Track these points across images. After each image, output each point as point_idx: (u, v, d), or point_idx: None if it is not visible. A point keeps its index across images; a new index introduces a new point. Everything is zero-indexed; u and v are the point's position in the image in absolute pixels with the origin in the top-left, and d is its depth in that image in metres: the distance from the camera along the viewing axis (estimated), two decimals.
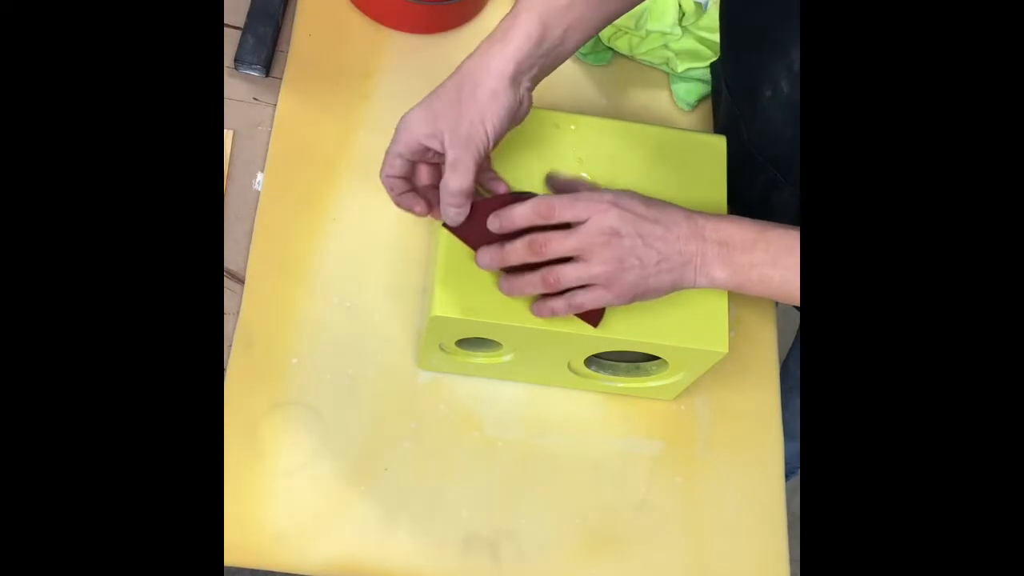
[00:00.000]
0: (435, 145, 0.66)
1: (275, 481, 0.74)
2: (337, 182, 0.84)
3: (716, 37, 0.95)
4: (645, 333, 0.70)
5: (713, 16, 0.93)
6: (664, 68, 0.95)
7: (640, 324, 0.70)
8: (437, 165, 0.70)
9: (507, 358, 0.76)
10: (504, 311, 0.68)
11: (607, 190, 0.66)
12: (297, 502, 0.74)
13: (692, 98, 0.94)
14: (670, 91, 0.95)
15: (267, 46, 0.86)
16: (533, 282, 0.65)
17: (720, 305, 0.71)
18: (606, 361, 0.78)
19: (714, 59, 0.95)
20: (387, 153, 0.68)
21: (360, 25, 0.91)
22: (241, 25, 0.87)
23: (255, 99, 0.86)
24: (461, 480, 0.77)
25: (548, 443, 0.79)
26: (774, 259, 0.65)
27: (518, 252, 0.65)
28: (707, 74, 0.95)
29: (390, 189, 0.70)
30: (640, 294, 0.65)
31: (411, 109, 0.67)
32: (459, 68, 0.67)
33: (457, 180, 0.64)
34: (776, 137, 0.79)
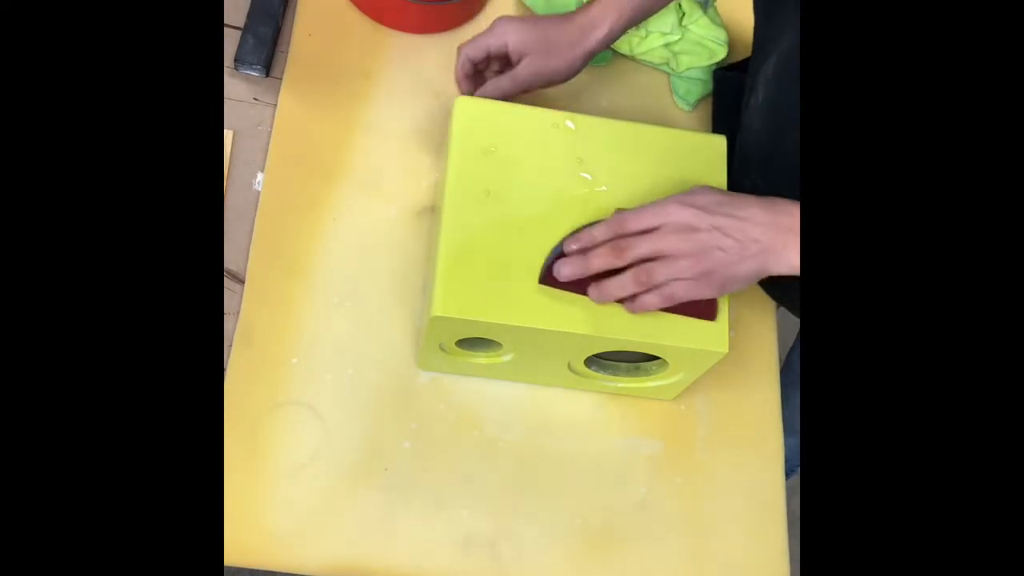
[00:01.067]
0: (514, 58, 0.78)
1: (275, 481, 0.74)
2: (337, 182, 0.84)
3: (717, 36, 0.95)
4: (645, 333, 0.70)
5: (714, 16, 0.93)
6: (664, 68, 0.95)
7: (640, 324, 0.70)
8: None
9: (507, 358, 0.76)
10: (504, 311, 0.68)
11: (677, 194, 0.69)
12: (297, 502, 0.74)
13: (692, 98, 0.94)
14: (670, 91, 0.95)
15: (267, 46, 0.86)
16: (624, 282, 0.67)
17: (720, 305, 0.71)
18: (606, 361, 0.78)
19: (715, 60, 0.95)
20: (475, 42, 0.79)
21: (360, 25, 0.91)
22: (241, 25, 0.87)
23: (255, 99, 0.86)
24: (461, 480, 0.77)
25: (548, 443, 0.79)
26: None
27: (601, 256, 0.67)
28: (707, 74, 0.95)
29: (461, 68, 0.80)
30: (728, 282, 0.67)
31: (518, 24, 0.78)
32: (571, 19, 0.79)
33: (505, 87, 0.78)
34: (753, 143, 0.79)
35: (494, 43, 0.78)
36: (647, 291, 0.67)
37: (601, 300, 0.68)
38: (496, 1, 0.95)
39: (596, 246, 0.68)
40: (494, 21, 0.80)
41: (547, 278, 0.69)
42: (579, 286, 0.68)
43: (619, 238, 0.68)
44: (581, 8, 0.80)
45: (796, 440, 1.02)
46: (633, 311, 0.68)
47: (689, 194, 0.68)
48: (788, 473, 0.84)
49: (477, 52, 0.79)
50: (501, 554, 0.76)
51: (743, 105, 0.82)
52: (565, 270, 0.68)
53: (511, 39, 0.78)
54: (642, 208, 0.68)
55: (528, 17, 0.78)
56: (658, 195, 0.72)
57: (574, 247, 0.69)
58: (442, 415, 0.79)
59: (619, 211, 0.70)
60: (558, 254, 0.69)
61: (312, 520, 0.74)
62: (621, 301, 0.68)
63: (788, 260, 0.66)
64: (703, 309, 0.69)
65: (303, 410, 0.77)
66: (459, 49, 0.80)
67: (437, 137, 0.87)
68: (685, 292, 0.67)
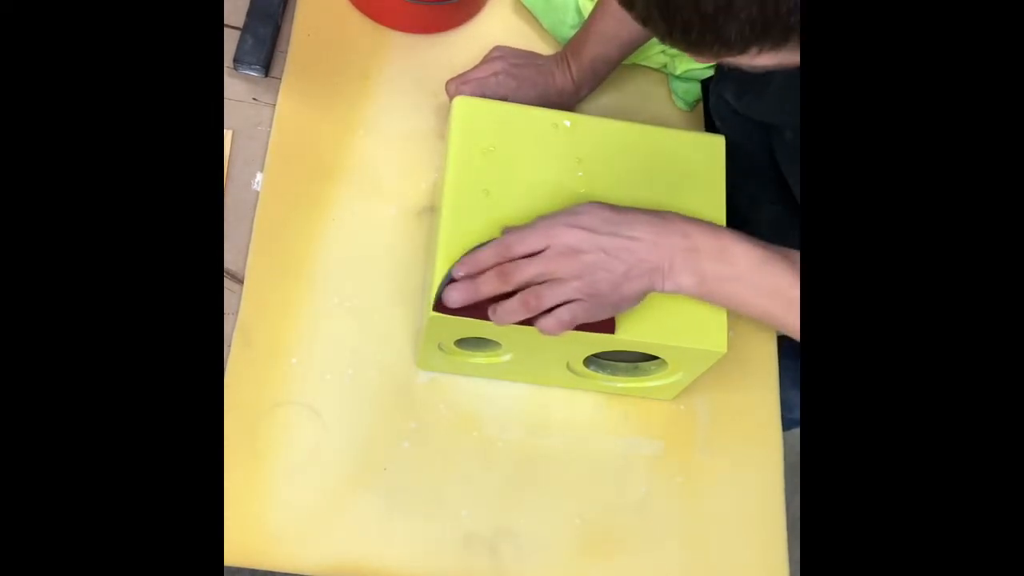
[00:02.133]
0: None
1: (275, 481, 0.74)
2: (337, 182, 0.84)
3: None
4: (644, 333, 0.70)
5: None
6: (663, 69, 0.95)
7: (639, 324, 0.70)
8: None
9: (506, 358, 0.76)
10: None
11: (565, 211, 0.68)
12: (297, 502, 0.74)
13: (691, 98, 0.94)
14: (669, 91, 0.95)
15: (267, 46, 0.86)
16: (514, 307, 0.66)
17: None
18: (605, 361, 0.78)
19: (714, 61, 0.95)
20: (472, 75, 0.83)
21: (360, 25, 0.91)
22: (241, 25, 0.87)
23: (255, 99, 0.86)
24: (461, 480, 0.77)
25: (548, 443, 0.79)
26: (739, 275, 0.67)
27: (489, 282, 0.66)
28: (706, 74, 0.95)
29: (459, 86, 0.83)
30: (616, 303, 0.67)
31: (503, 74, 0.83)
32: (542, 64, 0.86)
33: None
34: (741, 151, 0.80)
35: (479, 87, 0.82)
36: (543, 314, 0.66)
37: (500, 323, 0.67)
38: (496, 1, 0.95)
39: (484, 271, 0.67)
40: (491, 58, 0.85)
41: (439, 306, 0.67)
42: (479, 311, 0.67)
43: (506, 262, 0.67)
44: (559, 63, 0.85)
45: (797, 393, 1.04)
46: (543, 332, 0.67)
47: (576, 213, 0.67)
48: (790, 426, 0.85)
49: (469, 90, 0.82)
50: (501, 554, 0.76)
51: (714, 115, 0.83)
52: (454, 295, 0.67)
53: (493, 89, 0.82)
54: (528, 229, 0.67)
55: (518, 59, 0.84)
56: (657, 194, 0.72)
57: (461, 272, 0.67)
58: (441, 415, 0.79)
59: (507, 229, 0.69)
60: (449, 280, 0.68)
61: (312, 520, 0.74)
62: (529, 323, 0.67)
63: (676, 280, 0.67)
64: (603, 324, 0.69)
65: (303, 410, 0.77)
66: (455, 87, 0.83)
67: (437, 137, 0.87)
68: (579, 315, 0.66)
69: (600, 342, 0.71)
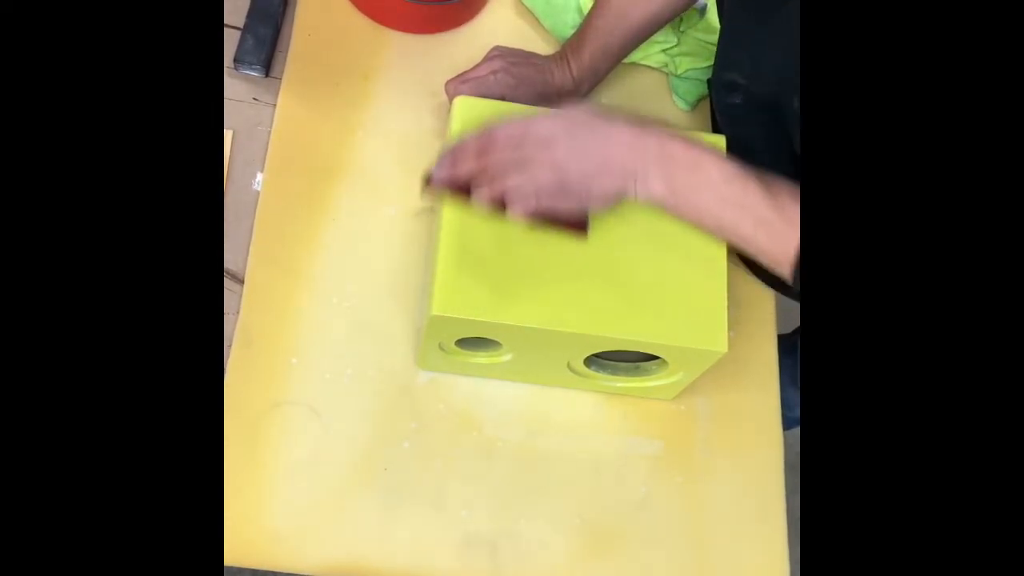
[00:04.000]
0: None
1: (275, 481, 0.74)
2: (337, 182, 0.84)
3: (714, 40, 0.95)
4: (645, 333, 0.70)
5: (712, 19, 0.93)
6: (664, 69, 0.95)
7: (640, 324, 0.70)
8: None
9: (507, 358, 0.76)
10: (503, 310, 0.68)
11: (555, 110, 0.70)
12: (297, 502, 0.74)
13: (691, 98, 0.94)
14: (670, 91, 0.95)
15: (267, 46, 0.86)
16: (483, 190, 0.68)
17: (719, 304, 0.71)
18: (606, 361, 0.78)
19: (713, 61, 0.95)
20: (470, 75, 0.83)
21: (360, 25, 0.91)
22: (241, 25, 0.87)
23: (255, 99, 0.86)
24: (461, 480, 0.77)
25: (548, 443, 0.79)
26: (710, 185, 0.67)
27: (467, 162, 0.68)
28: (706, 74, 0.95)
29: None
30: (585, 196, 0.68)
31: (503, 72, 0.82)
32: (540, 63, 0.85)
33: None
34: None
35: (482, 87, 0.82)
36: (512, 202, 0.68)
37: (478, 204, 0.69)
38: (496, 1, 0.95)
39: (466, 153, 0.69)
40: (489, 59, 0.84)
41: (425, 186, 0.70)
42: (463, 194, 0.69)
43: (487, 143, 0.68)
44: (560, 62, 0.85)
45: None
46: (512, 216, 0.68)
47: (563, 109, 0.69)
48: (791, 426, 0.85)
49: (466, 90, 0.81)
50: (501, 554, 0.76)
51: (717, 108, 0.83)
52: (436, 173, 0.70)
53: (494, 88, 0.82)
54: (512, 120, 0.69)
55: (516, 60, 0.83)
56: None
57: (447, 156, 0.70)
58: (442, 415, 0.79)
59: (495, 122, 0.71)
60: (439, 162, 0.70)
61: (312, 520, 0.74)
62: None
63: (647, 186, 0.68)
64: (574, 223, 0.69)
65: (303, 410, 0.77)
66: (454, 88, 0.83)
67: (437, 137, 0.87)
68: (544, 200, 0.67)
69: (601, 342, 0.71)
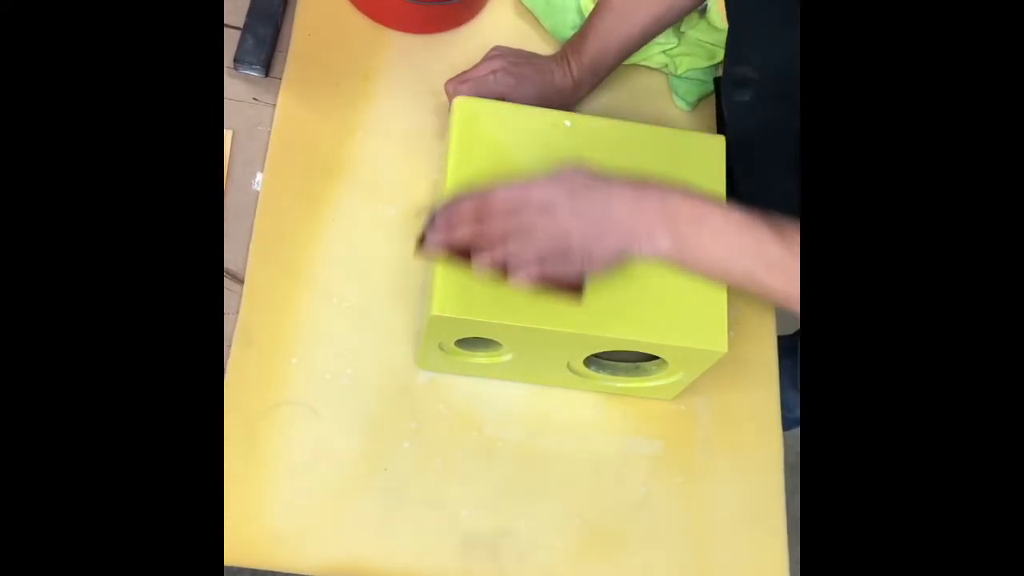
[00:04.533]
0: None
1: (275, 481, 0.74)
2: (337, 182, 0.84)
3: (715, 40, 0.95)
4: (645, 333, 0.70)
5: (712, 19, 0.93)
6: (664, 70, 0.95)
7: (640, 324, 0.70)
8: None
9: (507, 358, 0.76)
10: (503, 310, 0.68)
11: (549, 170, 0.68)
12: (297, 502, 0.74)
13: (691, 98, 0.94)
14: (670, 91, 0.95)
15: (267, 46, 0.86)
16: (488, 260, 0.66)
17: (719, 304, 0.71)
18: (606, 361, 0.78)
19: (714, 61, 0.95)
20: (470, 75, 0.83)
21: (360, 25, 0.91)
22: (241, 25, 0.87)
23: (255, 99, 0.86)
24: (461, 480, 0.77)
25: (548, 443, 0.79)
26: (718, 235, 0.66)
27: (464, 230, 0.66)
28: (707, 74, 0.95)
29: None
30: (589, 261, 0.66)
31: (503, 72, 0.82)
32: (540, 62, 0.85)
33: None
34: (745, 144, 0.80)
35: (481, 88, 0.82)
36: (514, 269, 0.66)
37: (477, 272, 0.67)
38: (496, 1, 0.95)
39: (464, 220, 0.67)
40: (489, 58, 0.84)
41: (419, 247, 0.68)
42: (460, 258, 0.67)
43: (484, 212, 0.67)
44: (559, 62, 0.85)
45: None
46: (513, 285, 0.67)
47: (558, 172, 0.67)
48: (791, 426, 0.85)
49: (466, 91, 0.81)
50: (501, 554, 0.76)
51: (725, 104, 0.83)
52: (431, 237, 0.68)
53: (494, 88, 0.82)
54: (509, 185, 0.67)
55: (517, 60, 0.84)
56: None
57: (442, 218, 0.68)
58: (442, 415, 0.79)
59: (491, 185, 0.69)
60: (429, 226, 0.68)
61: (312, 520, 0.74)
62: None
63: (653, 244, 0.66)
64: (572, 286, 0.68)
65: (303, 410, 0.77)
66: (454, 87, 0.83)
67: (437, 137, 0.87)
68: (548, 268, 0.66)
69: (601, 342, 0.71)
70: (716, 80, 0.94)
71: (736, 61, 0.80)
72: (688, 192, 0.67)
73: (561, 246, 0.65)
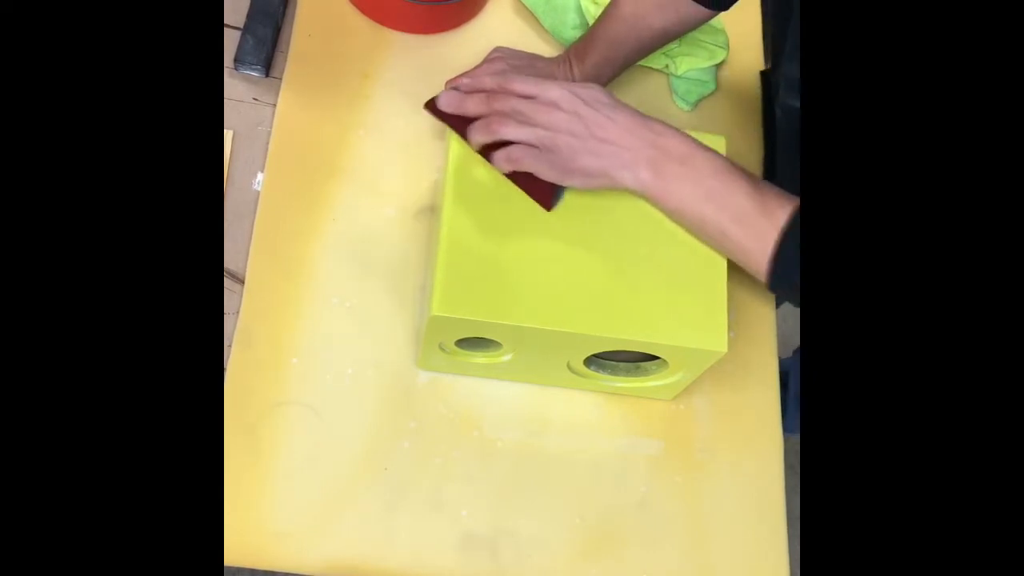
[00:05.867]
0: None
1: (275, 481, 0.74)
2: (337, 182, 0.84)
3: (716, 40, 0.95)
4: (645, 333, 0.70)
5: (714, 20, 0.93)
6: (664, 70, 0.95)
7: (640, 324, 0.70)
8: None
9: (507, 358, 0.76)
10: (503, 310, 0.68)
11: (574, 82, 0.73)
12: (297, 502, 0.74)
13: (692, 98, 0.94)
14: (670, 91, 0.95)
15: (267, 46, 0.86)
16: (480, 126, 0.71)
17: (719, 304, 0.71)
18: (606, 361, 0.78)
19: (714, 61, 0.95)
20: (473, 75, 0.81)
21: (360, 25, 0.91)
22: (241, 25, 0.87)
23: (255, 99, 0.86)
24: (460, 480, 0.77)
25: (548, 443, 0.79)
26: (695, 177, 0.69)
27: (475, 102, 0.72)
28: (707, 74, 0.95)
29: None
30: (567, 169, 0.70)
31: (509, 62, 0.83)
32: (542, 65, 0.85)
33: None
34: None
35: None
36: (501, 150, 0.70)
37: (470, 143, 0.72)
38: (496, 1, 0.95)
39: (479, 91, 0.73)
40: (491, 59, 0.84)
41: (431, 105, 0.74)
42: (460, 127, 0.72)
43: (500, 90, 0.71)
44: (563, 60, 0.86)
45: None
46: (493, 165, 0.71)
47: (581, 83, 0.72)
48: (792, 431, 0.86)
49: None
50: (500, 554, 0.76)
51: (779, 107, 0.84)
52: (444, 99, 0.73)
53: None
54: (532, 76, 0.72)
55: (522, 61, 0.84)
56: None
57: (463, 82, 0.74)
58: (441, 415, 0.79)
59: (514, 69, 0.75)
60: (453, 87, 0.74)
61: (312, 520, 0.74)
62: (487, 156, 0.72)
63: (635, 172, 0.69)
64: (540, 193, 0.71)
65: (303, 410, 0.77)
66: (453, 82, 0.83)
67: (437, 137, 0.87)
68: (528, 161, 0.70)
69: (601, 342, 0.71)
70: (764, 75, 0.93)
71: (791, 58, 0.81)
72: (686, 136, 0.70)
73: (550, 143, 0.69)
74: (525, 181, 0.71)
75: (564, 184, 0.71)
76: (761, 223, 0.66)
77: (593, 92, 0.71)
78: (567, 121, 0.69)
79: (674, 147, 0.69)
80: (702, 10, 0.82)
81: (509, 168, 0.71)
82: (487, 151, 0.72)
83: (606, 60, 0.84)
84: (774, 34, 0.86)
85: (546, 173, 0.70)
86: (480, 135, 0.71)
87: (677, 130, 0.70)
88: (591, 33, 0.85)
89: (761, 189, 0.67)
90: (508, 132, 0.70)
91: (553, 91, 0.70)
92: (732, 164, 0.69)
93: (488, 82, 0.73)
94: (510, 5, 0.95)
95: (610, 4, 0.84)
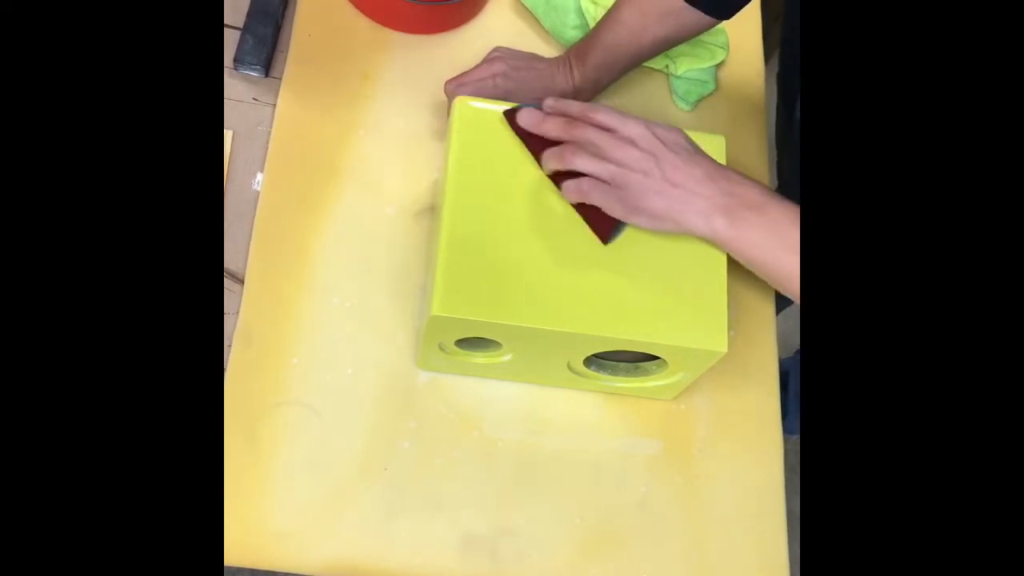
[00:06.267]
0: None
1: (275, 481, 0.74)
2: (337, 182, 0.84)
3: (716, 40, 0.95)
4: (645, 333, 0.70)
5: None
6: (664, 70, 0.95)
7: (640, 324, 0.70)
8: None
9: (507, 358, 0.76)
10: (503, 310, 0.68)
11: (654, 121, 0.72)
12: (297, 502, 0.74)
13: (692, 98, 0.94)
14: (670, 91, 0.95)
15: (267, 46, 0.86)
16: (555, 153, 0.71)
17: (719, 304, 0.71)
18: (606, 361, 0.78)
19: (715, 61, 0.95)
20: (470, 77, 0.83)
21: (360, 25, 0.91)
22: (241, 25, 0.87)
23: (255, 99, 0.86)
24: (460, 480, 0.77)
25: (548, 443, 0.79)
26: (770, 226, 0.68)
27: (555, 125, 0.71)
28: (707, 74, 0.95)
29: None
30: (637, 207, 0.69)
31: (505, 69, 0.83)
32: (541, 66, 0.85)
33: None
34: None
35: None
36: (570, 186, 0.70)
37: (543, 167, 0.72)
38: (496, 1, 0.95)
39: (562, 114, 0.72)
40: (490, 60, 0.84)
41: (510, 115, 0.73)
42: (533, 147, 0.72)
43: (582, 118, 0.71)
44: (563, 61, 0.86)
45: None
46: (562, 194, 0.71)
47: (661, 124, 0.71)
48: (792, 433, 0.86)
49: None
50: (501, 554, 0.76)
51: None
52: (526, 116, 0.72)
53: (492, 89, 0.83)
54: (615, 111, 0.72)
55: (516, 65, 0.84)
56: None
57: (549, 104, 0.73)
58: (441, 415, 0.79)
59: (602, 106, 0.74)
60: (535, 105, 0.74)
61: (312, 520, 0.74)
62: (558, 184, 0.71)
63: (709, 222, 0.68)
64: (602, 227, 0.71)
65: (303, 410, 0.77)
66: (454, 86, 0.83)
67: (437, 137, 0.87)
68: (596, 196, 0.69)
69: (601, 342, 0.71)
70: (783, 80, 0.93)
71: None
72: (762, 185, 0.70)
73: (621, 180, 0.69)
74: (589, 212, 0.71)
75: (630, 222, 0.70)
76: None
77: (674, 135, 0.70)
78: (641, 160, 0.69)
79: (750, 196, 0.68)
80: (704, 18, 0.82)
81: (578, 200, 0.70)
82: (558, 178, 0.71)
83: (606, 64, 0.84)
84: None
85: (613, 209, 0.69)
86: (553, 162, 0.71)
87: (754, 180, 0.70)
88: (592, 36, 0.85)
89: None
90: (581, 164, 0.69)
91: (633, 128, 0.70)
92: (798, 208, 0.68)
93: (574, 108, 0.72)
94: (510, 5, 0.95)
95: (612, 9, 0.84)
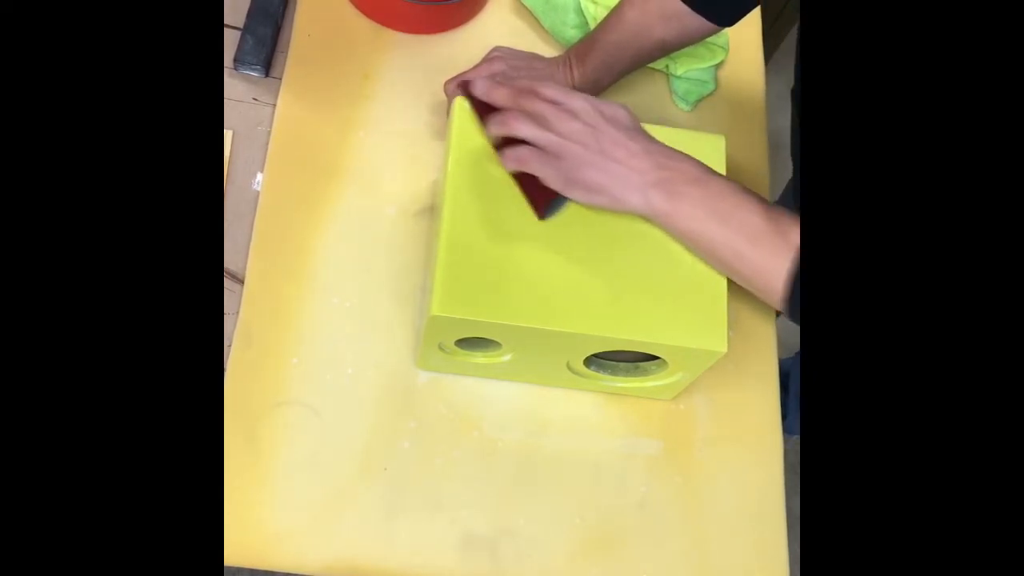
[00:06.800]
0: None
1: (275, 481, 0.74)
2: (337, 182, 0.84)
3: (715, 40, 0.95)
4: (645, 333, 0.70)
5: None
6: (664, 70, 0.95)
7: (640, 324, 0.70)
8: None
9: (506, 358, 0.76)
10: (503, 310, 0.68)
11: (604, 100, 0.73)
12: (297, 502, 0.74)
13: (692, 98, 0.94)
14: (670, 91, 0.95)
15: (267, 46, 0.86)
16: (498, 119, 0.71)
17: (719, 304, 0.71)
18: (606, 361, 0.78)
19: (715, 61, 0.95)
20: (467, 78, 0.81)
21: (360, 25, 0.91)
22: (241, 25, 0.87)
23: (255, 99, 0.86)
24: (460, 480, 0.77)
25: (548, 443, 0.80)
26: (708, 199, 0.68)
27: (503, 95, 0.72)
28: (707, 74, 0.95)
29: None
30: (572, 178, 0.70)
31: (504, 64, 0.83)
32: (541, 66, 0.85)
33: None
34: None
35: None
36: (508, 154, 0.71)
37: (488, 132, 0.72)
38: (496, 1, 0.95)
39: (511, 87, 0.73)
40: (490, 58, 0.85)
41: (466, 87, 0.74)
42: (482, 115, 0.73)
43: (529, 91, 0.71)
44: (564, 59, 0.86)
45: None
46: (501, 161, 0.72)
47: (607, 102, 0.72)
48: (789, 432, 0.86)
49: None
50: (501, 554, 0.76)
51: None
52: (479, 84, 0.73)
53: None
54: (562, 87, 0.72)
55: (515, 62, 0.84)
56: None
57: (498, 74, 0.77)
58: (441, 415, 0.79)
59: (512, 69, 0.76)
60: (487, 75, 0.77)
61: (312, 520, 0.74)
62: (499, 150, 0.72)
63: (645, 197, 0.69)
64: (537, 200, 0.71)
65: (303, 410, 0.77)
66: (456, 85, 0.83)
67: (437, 137, 0.87)
68: (534, 163, 0.70)
69: (601, 342, 0.71)
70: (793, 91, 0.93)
71: None
72: (697, 161, 0.70)
73: (558, 149, 0.69)
74: (528, 184, 0.71)
75: (566, 194, 0.70)
76: (776, 242, 0.65)
77: (616, 111, 0.71)
78: (581, 132, 0.69)
79: (685, 170, 0.69)
80: (706, 24, 0.82)
81: (515, 167, 0.71)
82: (502, 148, 0.72)
83: (605, 65, 0.84)
84: None
85: (550, 179, 0.70)
86: (496, 127, 0.71)
87: (689, 156, 0.70)
88: (593, 36, 0.85)
89: (774, 210, 0.67)
90: (522, 130, 0.70)
91: (577, 102, 0.70)
92: (743, 187, 0.69)
93: (523, 81, 0.73)
94: (510, 5, 0.95)
95: (614, 10, 0.84)
